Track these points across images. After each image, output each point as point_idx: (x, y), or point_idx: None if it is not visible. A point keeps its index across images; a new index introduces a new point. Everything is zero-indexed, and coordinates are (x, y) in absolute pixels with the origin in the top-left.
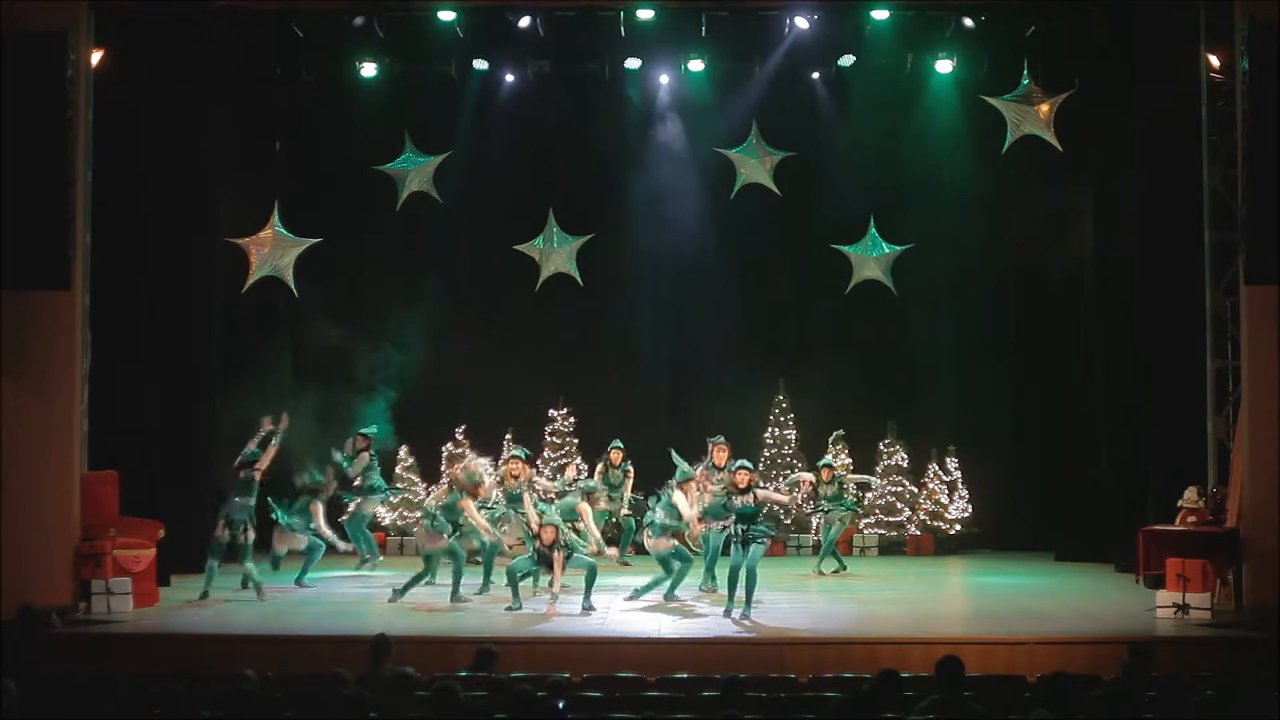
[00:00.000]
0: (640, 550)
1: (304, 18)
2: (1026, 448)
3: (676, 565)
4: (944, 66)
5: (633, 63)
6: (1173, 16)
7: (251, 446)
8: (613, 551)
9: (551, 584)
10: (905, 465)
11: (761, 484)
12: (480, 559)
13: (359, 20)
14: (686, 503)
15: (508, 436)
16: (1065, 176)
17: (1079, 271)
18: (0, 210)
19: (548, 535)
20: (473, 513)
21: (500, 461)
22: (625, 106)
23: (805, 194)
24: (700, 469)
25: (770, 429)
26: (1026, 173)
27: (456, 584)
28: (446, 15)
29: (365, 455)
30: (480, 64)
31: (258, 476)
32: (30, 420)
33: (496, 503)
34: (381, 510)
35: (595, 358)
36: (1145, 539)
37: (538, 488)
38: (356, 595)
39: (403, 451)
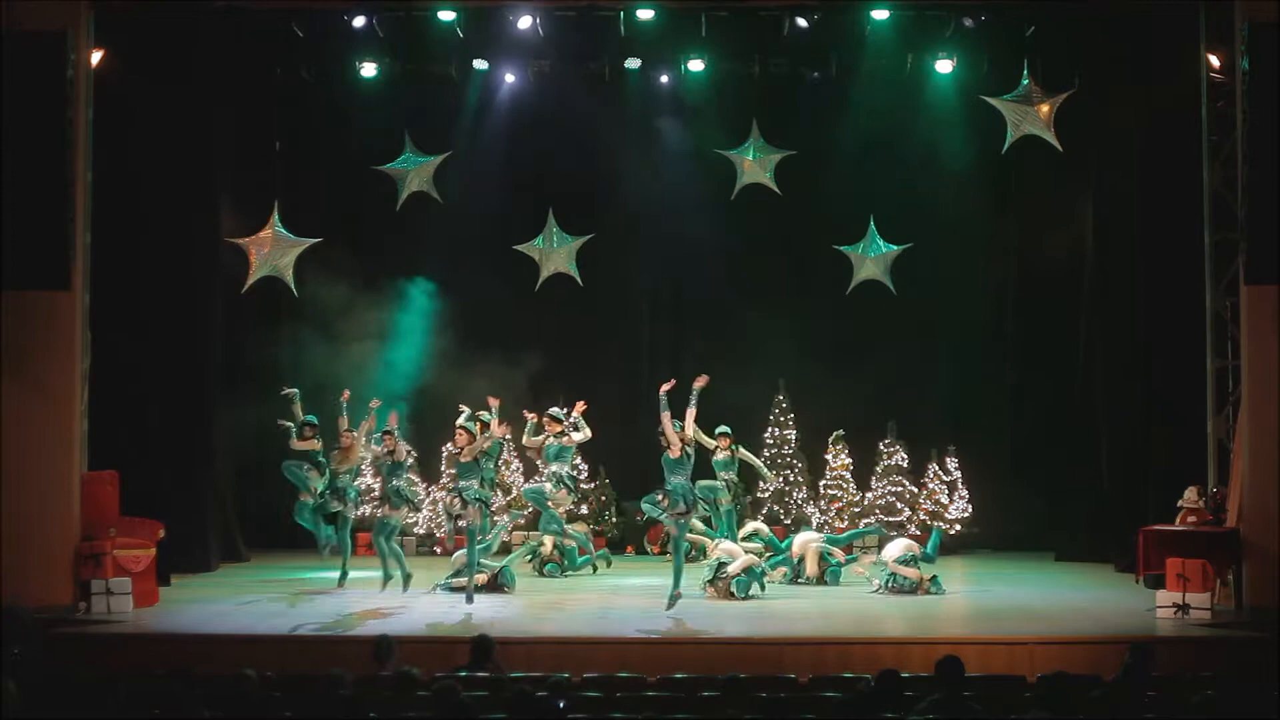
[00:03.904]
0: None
1: (304, 18)
2: (1027, 448)
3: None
4: (944, 66)
5: (633, 63)
6: (1172, 16)
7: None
8: None
9: None
10: (905, 465)
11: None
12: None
13: (359, 20)
14: None
15: (507, 436)
16: (1065, 177)
17: (1079, 271)
18: (0, 210)
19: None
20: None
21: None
22: (625, 107)
23: (805, 194)
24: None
25: (770, 429)
26: (1026, 173)
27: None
28: (446, 15)
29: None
30: (480, 64)
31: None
32: (30, 420)
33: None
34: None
35: (595, 357)
36: (1145, 539)
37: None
38: (357, 596)
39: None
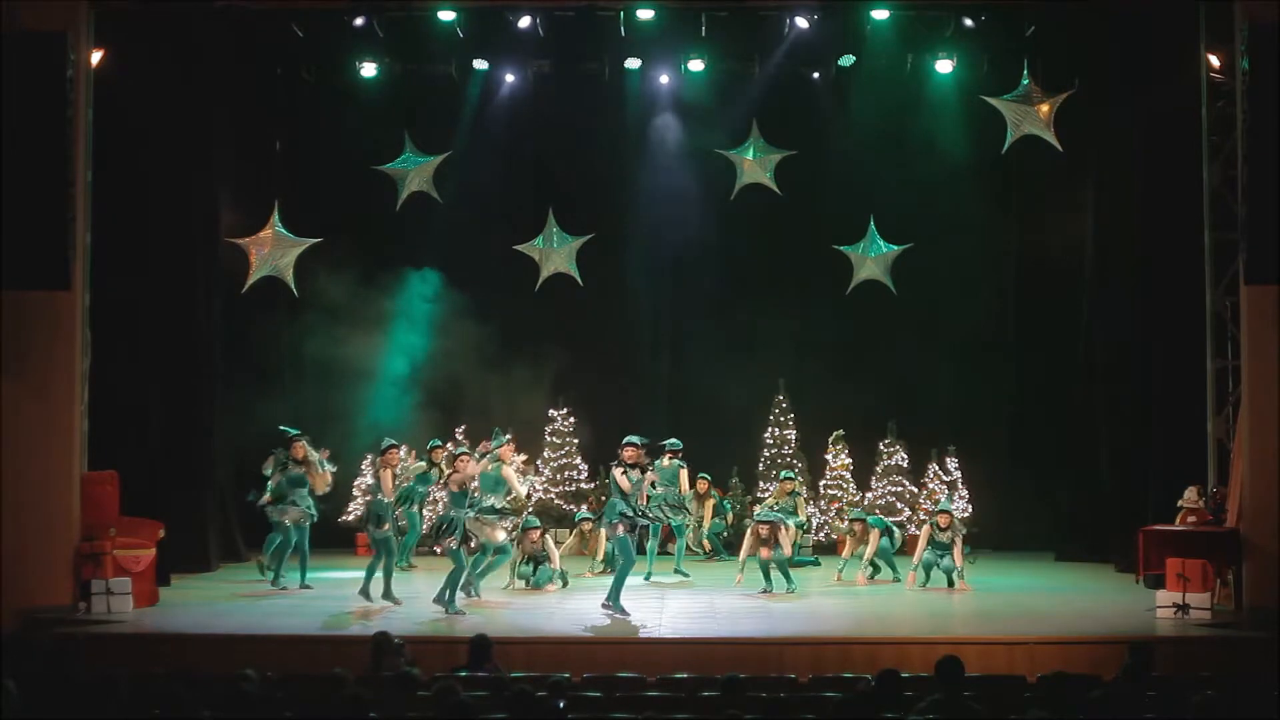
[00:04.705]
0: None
1: (304, 18)
2: (1026, 448)
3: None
4: (944, 66)
5: (633, 63)
6: (1172, 16)
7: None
8: None
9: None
10: (905, 465)
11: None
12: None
13: (359, 20)
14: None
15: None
16: (1065, 177)
17: (1079, 271)
18: (0, 210)
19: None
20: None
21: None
22: (625, 107)
23: (805, 194)
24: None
25: (770, 429)
26: (1026, 173)
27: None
28: (446, 15)
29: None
30: (480, 64)
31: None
32: (30, 420)
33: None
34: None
35: (595, 358)
36: (1145, 539)
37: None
38: (357, 596)
39: (402, 451)
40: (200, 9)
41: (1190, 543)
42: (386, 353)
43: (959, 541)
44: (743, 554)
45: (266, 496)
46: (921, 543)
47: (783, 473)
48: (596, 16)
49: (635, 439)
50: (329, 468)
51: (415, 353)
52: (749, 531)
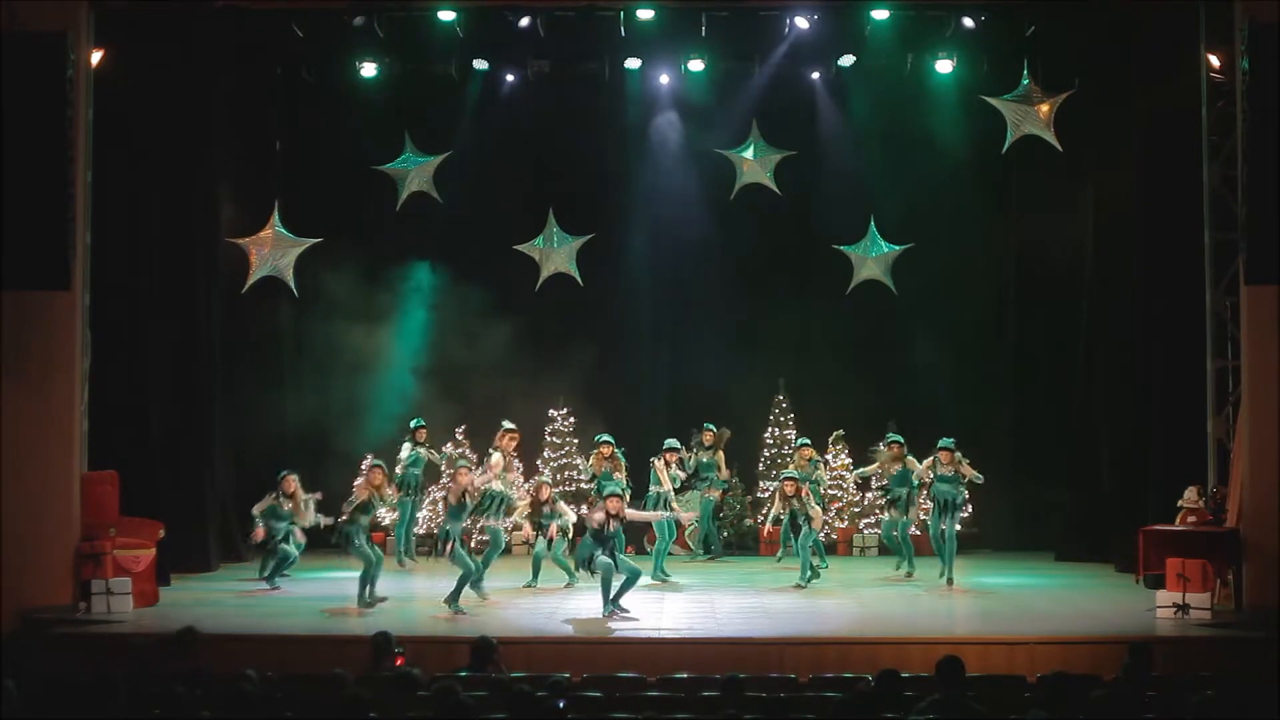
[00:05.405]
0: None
1: (304, 18)
2: (1027, 448)
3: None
4: (944, 66)
5: (633, 63)
6: (1173, 16)
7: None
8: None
9: None
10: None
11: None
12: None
13: (359, 20)
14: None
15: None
16: (1065, 177)
17: (1079, 271)
18: (0, 210)
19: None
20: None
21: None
22: (625, 107)
23: (805, 194)
24: None
25: (770, 429)
26: (1026, 173)
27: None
28: (446, 15)
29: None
30: (480, 64)
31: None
32: (30, 420)
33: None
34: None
35: (595, 357)
36: (1145, 539)
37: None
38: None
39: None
40: (200, 9)
41: (1190, 543)
42: (386, 353)
43: (965, 464)
44: (771, 512)
45: (258, 530)
46: (923, 470)
47: (799, 440)
48: (596, 16)
49: (617, 490)
50: (316, 515)
51: (415, 352)
52: (775, 494)
